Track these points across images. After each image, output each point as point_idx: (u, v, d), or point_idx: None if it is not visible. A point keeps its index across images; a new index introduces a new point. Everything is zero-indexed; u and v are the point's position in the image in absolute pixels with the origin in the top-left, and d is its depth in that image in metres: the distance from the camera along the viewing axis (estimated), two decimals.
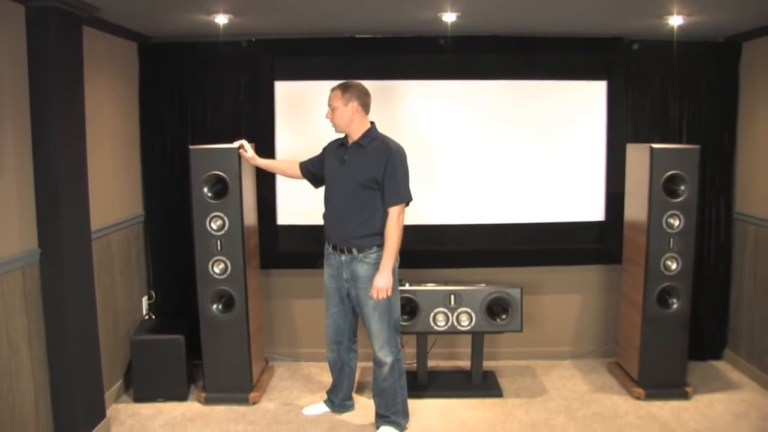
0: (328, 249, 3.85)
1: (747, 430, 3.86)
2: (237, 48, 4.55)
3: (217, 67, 4.60)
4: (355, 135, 3.71)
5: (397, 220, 3.61)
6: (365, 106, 3.71)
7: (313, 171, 3.96)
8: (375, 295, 3.61)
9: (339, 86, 3.71)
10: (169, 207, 4.69)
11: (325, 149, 3.92)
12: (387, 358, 3.76)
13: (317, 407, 4.15)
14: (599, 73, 4.69)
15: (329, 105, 3.71)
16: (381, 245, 3.66)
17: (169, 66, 4.59)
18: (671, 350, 4.25)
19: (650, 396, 4.23)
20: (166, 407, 4.18)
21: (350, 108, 3.65)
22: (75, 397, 3.53)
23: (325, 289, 3.91)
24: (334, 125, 3.74)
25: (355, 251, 3.70)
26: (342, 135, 3.81)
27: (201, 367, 4.28)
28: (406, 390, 3.89)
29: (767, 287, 4.40)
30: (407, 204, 3.68)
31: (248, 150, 4.03)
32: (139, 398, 4.23)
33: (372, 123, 3.75)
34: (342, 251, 3.74)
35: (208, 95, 4.63)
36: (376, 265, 3.65)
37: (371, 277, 3.64)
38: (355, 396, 4.22)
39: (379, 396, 3.85)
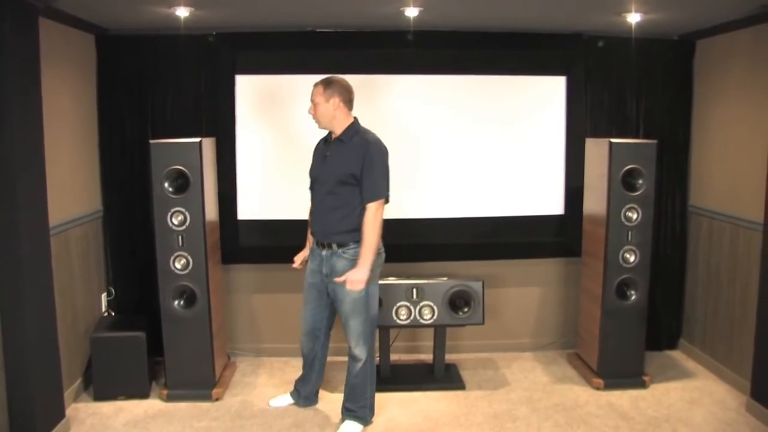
0: (313, 244, 3.84)
1: (701, 416, 3.98)
2: (198, 41, 4.49)
3: (178, 60, 4.52)
4: (338, 131, 3.68)
5: (374, 216, 3.58)
6: (348, 102, 3.68)
7: None
8: (348, 286, 3.59)
9: (321, 81, 3.67)
10: (129, 202, 4.61)
11: (313, 152, 3.89)
12: (362, 354, 3.76)
13: (283, 399, 4.15)
14: (558, 68, 4.75)
15: (311, 100, 3.67)
16: (360, 241, 3.63)
17: (128, 59, 4.50)
18: (629, 341, 4.34)
19: (609, 386, 4.33)
20: (127, 405, 4.12)
21: (332, 104, 3.63)
22: (33, 397, 3.45)
23: (305, 283, 3.89)
24: (317, 121, 3.70)
25: (334, 246, 3.69)
26: (315, 132, 3.80)
27: (162, 364, 4.22)
28: (375, 387, 3.90)
29: (720, 279, 4.53)
30: (386, 201, 3.66)
31: (299, 260, 4.00)
32: (99, 397, 4.16)
33: (355, 118, 3.72)
34: (323, 246, 3.74)
35: (168, 89, 4.56)
36: (354, 261, 3.63)
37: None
38: (321, 391, 4.22)
39: (350, 390, 3.86)
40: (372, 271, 3.65)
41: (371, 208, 3.59)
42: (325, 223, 3.70)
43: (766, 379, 3.90)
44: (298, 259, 4.00)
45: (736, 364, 4.35)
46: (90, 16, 4.14)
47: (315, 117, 3.69)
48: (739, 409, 4.06)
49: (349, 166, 3.59)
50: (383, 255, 3.78)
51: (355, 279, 3.57)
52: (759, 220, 3.98)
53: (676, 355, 4.98)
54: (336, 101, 3.63)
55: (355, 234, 3.64)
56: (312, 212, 3.82)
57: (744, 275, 4.26)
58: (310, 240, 3.97)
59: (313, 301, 3.89)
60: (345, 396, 3.89)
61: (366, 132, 3.69)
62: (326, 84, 3.65)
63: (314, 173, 3.80)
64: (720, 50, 4.51)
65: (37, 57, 3.46)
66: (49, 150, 3.60)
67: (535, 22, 4.42)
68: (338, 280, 3.63)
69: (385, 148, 3.67)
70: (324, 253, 3.74)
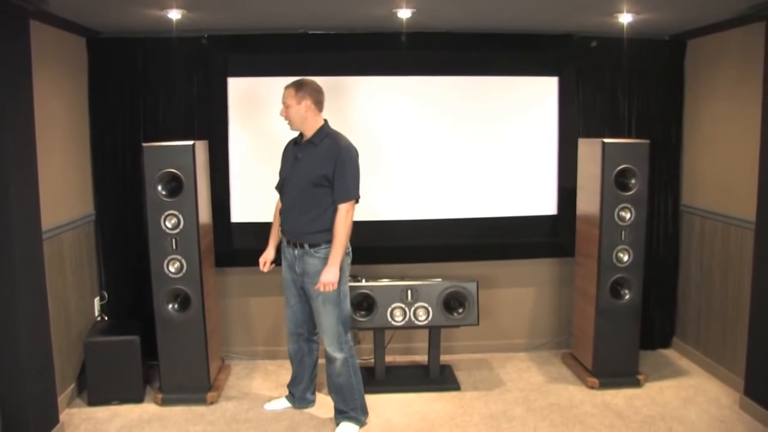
0: (283, 243, 3.87)
1: (695, 414, 4.00)
2: (189, 44, 4.47)
3: (170, 63, 4.51)
4: (309, 132, 3.73)
5: (345, 216, 3.63)
6: (318, 104, 3.73)
7: None
8: (321, 288, 3.62)
9: (292, 84, 3.72)
10: (121, 205, 4.59)
11: (282, 153, 3.92)
12: (336, 354, 3.79)
13: (279, 402, 4.15)
14: (550, 69, 4.76)
15: (283, 103, 3.72)
16: (331, 241, 3.67)
17: (120, 62, 4.48)
18: (624, 340, 4.36)
19: (604, 385, 4.34)
20: (121, 410, 4.09)
21: (303, 106, 3.67)
22: (27, 403, 3.42)
23: (283, 282, 3.92)
24: (289, 123, 3.75)
25: (306, 246, 3.71)
26: (297, 133, 3.82)
27: (157, 368, 4.21)
28: (362, 386, 3.91)
29: (713, 277, 4.56)
30: (356, 202, 3.71)
31: (267, 262, 4.02)
32: (93, 402, 4.13)
33: (325, 120, 3.76)
34: (295, 245, 3.76)
35: (160, 92, 4.54)
36: (326, 260, 3.66)
37: (320, 272, 3.65)
38: (316, 393, 4.21)
39: (336, 392, 3.87)
40: (342, 270, 3.69)
41: (342, 208, 3.64)
42: (297, 224, 3.73)
43: (759, 376, 3.92)
44: (266, 265, 4.01)
45: (730, 361, 4.38)
46: (81, 19, 4.12)
47: (287, 118, 3.74)
48: (732, 406, 4.09)
49: (321, 168, 3.63)
50: (351, 255, 3.82)
51: (327, 281, 3.61)
52: (751, 219, 4.01)
53: (669, 353, 5.00)
54: (307, 103, 3.68)
55: (326, 234, 3.67)
56: (283, 212, 3.85)
57: (736, 273, 4.29)
58: (273, 239, 4.01)
59: (293, 298, 3.92)
60: (333, 399, 3.91)
61: (336, 134, 3.73)
62: (298, 86, 3.70)
63: (284, 174, 3.84)
64: (711, 50, 4.54)
65: (29, 60, 3.44)
66: (40, 153, 3.57)
67: (527, 22, 4.42)
68: (316, 287, 3.66)
69: (356, 151, 3.72)
70: (296, 252, 3.77)
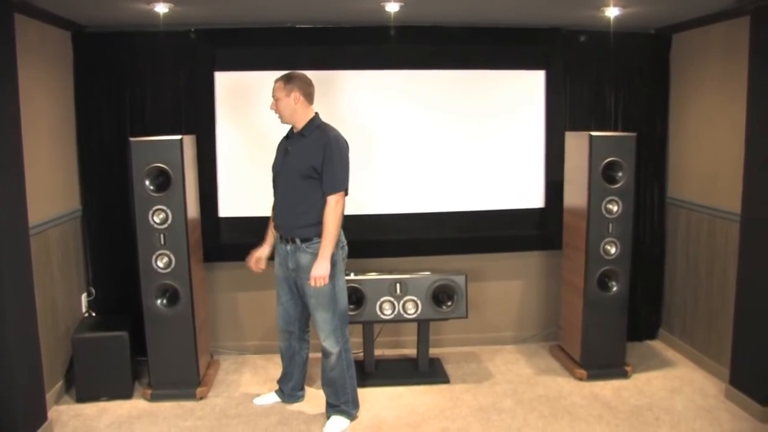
0: (277, 239, 3.86)
1: (682, 404, 4.04)
2: (176, 38, 4.45)
3: (156, 57, 4.48)
4: (299, 125, 3.72)
5: (335, 208, 3.62)
6: (308, 96, 3.72)
7: None
8: (312, 283, 3.61)
9: (282, 77, 3.72)
10: (108, 201, 4.56)
11: (276, 149, 3.90)
12: (333, 348, 3.78)
13: (268, 397, 4.14)
14: (538, 62, 4.78)
15: (273, 96, 3.71)
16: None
17: (106, 56, 4.44)
18: (611, 332, 4.39)
19: (592, 376, 4.37)
20: (110, 406, 4.07)
21: (292, 98, 3.66)
22: (15, 401, 3.40)
23: (275, 279, 3.91)
24: (279, 116, 3.74)
25: (298, 241, 3.70)
26: (288, 127, 3.81)
27: (145, 364, 4.19)
28: (356, 380, 3.91)
29: (699, 269, 4.60)
30: (346, 193, 3.70)
31: (261, 258, 3.99)
32: (81, 398, 4.11)
33: (316, 113, 3.75)
34: (287, 241, 3.75)
35: (147, 86, 4.51)
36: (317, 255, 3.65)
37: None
38: (305, 387, 4.21)
39: (328, 386, 3.87)
40: (336, 265, 3.69)
41: (331, 200, 3.62)
42: (288, 218, 3.72)
43: (744, 365, 3.97)
44: (256, 262, 3.99)
45: (715, 352, 4.42)
46: (66, 13, 4.08)
47: (277, 112, 3.73)
48: (718, 395, 4.13)
49: (311, 160, 3.62)
50: (346, 249, 3.82)
51: (318, 275, 3.59)
52: (736, 211, 4.05)
53: (656, 344, 5.05)
54: (296, 95, 3.67)
55: (317, 228, 3.66)
56: (275, 207, 3.84)
57: (722, 265, 4.33)
58: (270, 236, 3.99)
59: (285, 295, 3.90)
60: (325, 392, 3.90)
61: (326, 126, 3.73)
62: (287, 79, 3.69)
63: (276, 168, 3.83)
64: (696, 44, 4.57)
65: (14, 54, 3.40)
66: (27, 149, 3.54)
67: (514, 16, 4.44)
68: (308, 283, 3.64)
69: (345, 143, 3.71)
70: (288, 248, 3.75)
